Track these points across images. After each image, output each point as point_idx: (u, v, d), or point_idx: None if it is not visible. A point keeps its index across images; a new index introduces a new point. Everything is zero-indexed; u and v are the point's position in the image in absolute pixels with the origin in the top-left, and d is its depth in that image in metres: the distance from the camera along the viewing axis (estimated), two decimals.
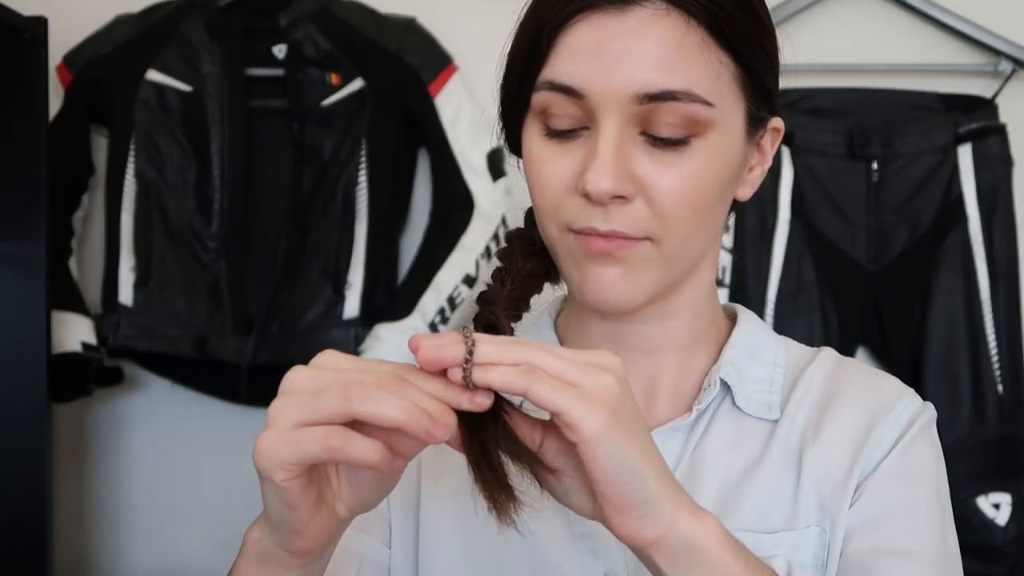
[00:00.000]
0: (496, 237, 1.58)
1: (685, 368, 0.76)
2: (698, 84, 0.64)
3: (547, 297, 0.81)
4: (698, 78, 0.64)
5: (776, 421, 0.74)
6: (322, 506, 0.58)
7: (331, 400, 0.53)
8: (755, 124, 0.71)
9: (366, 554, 0.76)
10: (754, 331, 0.78)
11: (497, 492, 0.57)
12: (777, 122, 0.74)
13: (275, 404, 0.55)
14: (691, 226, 0.67)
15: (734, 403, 0.74)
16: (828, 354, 0.79)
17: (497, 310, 0.67)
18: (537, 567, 0.73)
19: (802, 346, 0.81)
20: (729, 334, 0.78)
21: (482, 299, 0.69)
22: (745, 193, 0.73)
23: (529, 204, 0.78)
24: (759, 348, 0.77)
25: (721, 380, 0.74)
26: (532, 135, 0.69)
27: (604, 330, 0.75)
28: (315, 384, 0.54)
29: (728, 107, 0.67)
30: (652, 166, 0.65)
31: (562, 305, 0.82)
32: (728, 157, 0.68)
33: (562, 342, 0.78)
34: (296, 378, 0.55)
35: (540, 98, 0.67)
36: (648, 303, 0.71)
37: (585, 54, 0.64)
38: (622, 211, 0.66)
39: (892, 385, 0.77)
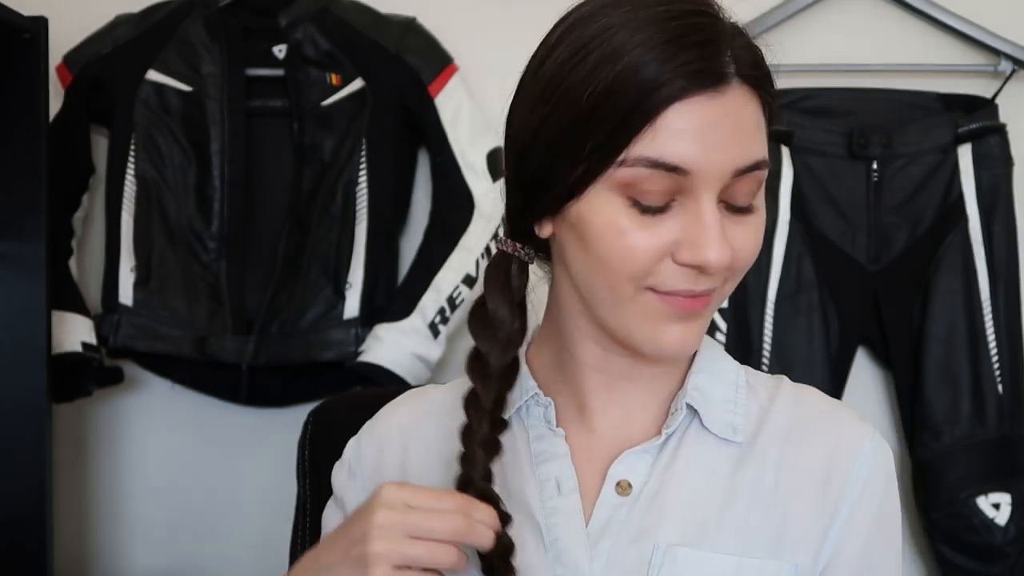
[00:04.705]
0: (496, 237, 1.58)
1: (655, 392, 0.81)
2: (766, 152, 0.72)
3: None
4: (766, 147, 0.72)
5: (741, 444, 0.78)
6: None
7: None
8: None
9: None
10: (714, 355, 0.83)
11: None
12: None
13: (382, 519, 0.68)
14: (746, 270, 0.74)
15: (702, 424, 0.79)
16: (787, 382, 0.84)
17: (478, 469, 0.74)
18: None
19: (759, 372, 0.85)
20: (691, 359, 0.82)
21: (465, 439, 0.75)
22: None
23: None
24: (720, 371, 0.82)
25: (687, 404, 0.78)
26: (611, 206, 0.70)
27: (594, 361, 0.79)
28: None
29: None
30: (734, 229, 0.71)
31: (532, 336, 0.85)
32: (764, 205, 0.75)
33: (535, 374, 0.82)
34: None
35: (632, 173, 0.68)
36: None
37: (690, 135, 0.68)
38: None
39: (853, 420, 0.81)
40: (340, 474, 0.87)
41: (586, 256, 0.72)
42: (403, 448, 0.84)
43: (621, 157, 0.68)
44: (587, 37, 0.70)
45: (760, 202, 0.73)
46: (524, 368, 0.82)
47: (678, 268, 0.70)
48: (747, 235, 0.72)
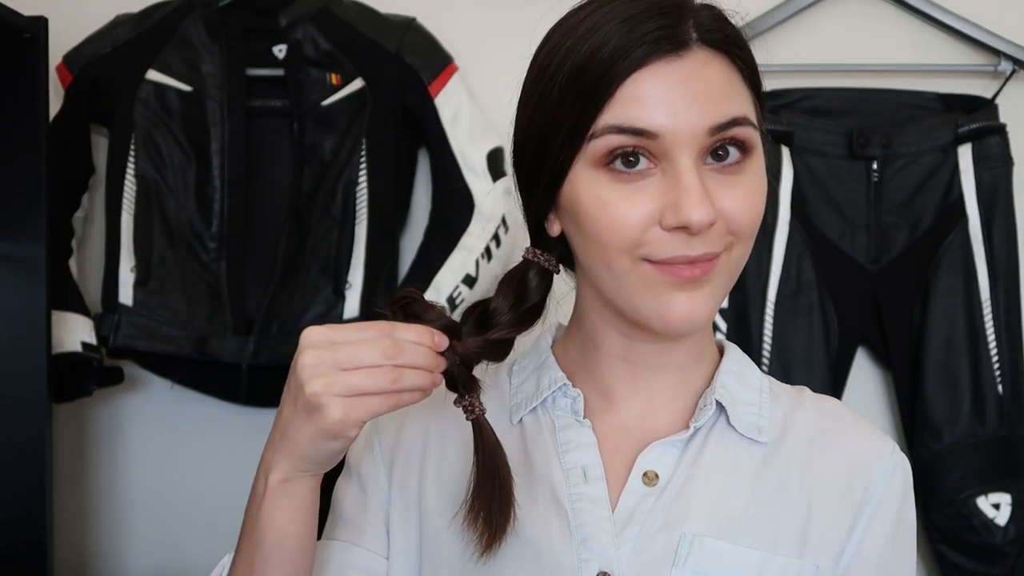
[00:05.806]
0: (496, 237, 1.58)
1: (682, 387, 0.82)
2: (747, 112, 0.72)
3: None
4: (746, 107, 0.73)
5: (766, 444, 0.80)
6: None
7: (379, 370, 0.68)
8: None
9: (361, 564, 0.82)
10: (740, 360, 0.85)
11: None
12: None
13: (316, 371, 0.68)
14: (752, 235, 0.74)
15: (728, 423, 0.80)
16: (808, 392, 0.86)
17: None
18: (535, 565, 0.77)
19: (781, 383, 0.87)
20: (718, 361, 0.84)
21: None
22: None
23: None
24: (745, 375, 0.84)
25: (716, 401, 0.80)
26: (594, 182, 0.72)
27: (619, 352, 0.81)
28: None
29: (759, 131, 0.75)
30: (722, 188, 0.71)
31: (557, 333, 0.87)
32: (764, 173, 0.75)
33: (563, 368, 0.84)
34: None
35: (604, 142, 0.70)
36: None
37: (653, 99, 0.69)
38: (704, 234, 0.70)
39: (875, 432, 0.83)
40: (355, 446, 0.87)
41: (581, 237, 0.74)
42: (424, 425, 0.86)
43: (591, 131, 0.70)
44: (560, 34, 0.74)
45: (755, 165, 0.73)
46: (551, 359, 0.84)
47: (667, 234, 0.70)
48: (739, 196, 0.72)
